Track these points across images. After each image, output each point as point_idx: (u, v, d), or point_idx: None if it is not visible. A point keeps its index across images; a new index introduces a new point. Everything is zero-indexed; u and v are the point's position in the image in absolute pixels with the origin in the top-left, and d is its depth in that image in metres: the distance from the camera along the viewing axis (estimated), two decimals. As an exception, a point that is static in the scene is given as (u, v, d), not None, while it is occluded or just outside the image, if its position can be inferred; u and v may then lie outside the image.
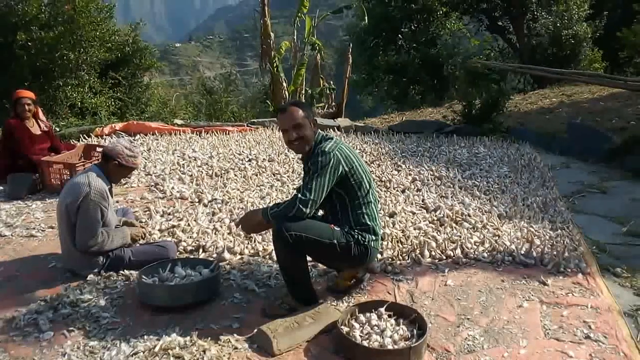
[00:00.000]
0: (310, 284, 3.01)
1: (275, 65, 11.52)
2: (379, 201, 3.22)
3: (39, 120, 5.70)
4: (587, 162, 6.73)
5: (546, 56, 16.46)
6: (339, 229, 2.93)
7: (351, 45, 13.37)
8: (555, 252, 3.74)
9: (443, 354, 2.63)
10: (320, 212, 3.16)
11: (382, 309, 2.82)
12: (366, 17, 13.82)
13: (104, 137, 7.78)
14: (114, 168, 3.45)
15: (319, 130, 3.09)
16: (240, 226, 3.06)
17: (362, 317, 2.79)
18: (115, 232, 3.46)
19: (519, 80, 17.55)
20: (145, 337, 2.69)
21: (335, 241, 2.86)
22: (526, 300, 3.18)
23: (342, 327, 2.69)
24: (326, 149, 2.87)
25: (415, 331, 2.67)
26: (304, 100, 12.36)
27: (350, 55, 12.77)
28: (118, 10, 12.99)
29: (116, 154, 3.42)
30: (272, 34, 11.59)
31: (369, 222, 2.99)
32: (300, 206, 2.77)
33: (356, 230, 2.95)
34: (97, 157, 5.38)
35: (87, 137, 7.64)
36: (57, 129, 7.69)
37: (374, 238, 3.01)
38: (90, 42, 10.12)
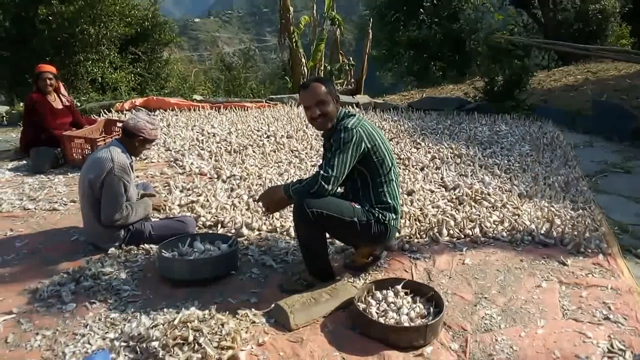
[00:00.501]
0: (328, 260, 3.02)
1: (294, 40, 11.44)
2: (399, 179, 3.19)
3: (60, 95, 5.75)
4: (612, 141, 6.59)
5: (572, 32, 15.97)
6: (359, 206, 2.91)
7: (371, 20, 13.14)
8: (575, 232, 3.70)
9: (459, 332, 2.63)
10: (340, 190, 3.15)
11: (399, 287, 2.82)
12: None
13: (125, 112, 7.83)
14: (138, 143, 3.47)
15: (341, 107, 3.06)
16: (261, 203, 3.06)
17: (378, 294, 2.79)
18: (138, 204, 3.51)
19: (543, 56, 17.13)
20: (165, 310, 2.74)
21: (356, 219, 2.85)
22: (545, 280, 3.15)
23: (359, 303, 2.69)
24: (349, 126, 2.84)
25: (432, 309, 2.67)
26: (323, 76, 12.28)
27: (370, 31, 12.58)
28: (137, -16, 12.89)
29: (140, 129, 3.41)
30: (291, 9, 11.49)
31: (390, 201, 2.98)
32: (323, 183, 2.74)
33: (377, 209, 2.94)
34: (118, 131, 5.43)
35: (107, 112, 7.70)
36: (78, 104, 7.75)
37: (394, 217, 3.00)
38: (110, 16, 10.11)
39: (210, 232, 3.70)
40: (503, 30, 16.41)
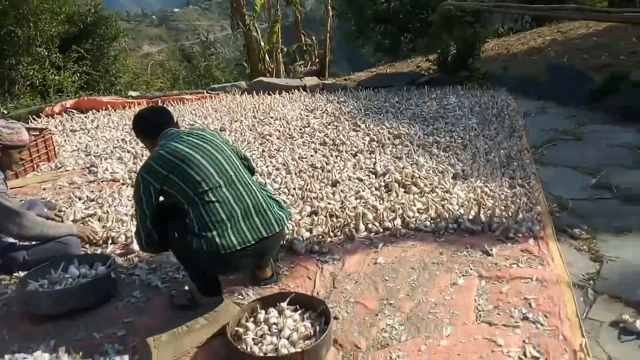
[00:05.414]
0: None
1: (247, 24, 10.92)
2: (234, 197, 2.56)
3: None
4: (568, 106, 6.18)
5: (545, -10, 15.43)
6: (190, 237, 2.45)
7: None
8: (507, 215, 3.33)
9: (351, 351, 2.29)
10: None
11: (284, 304, 2.45)
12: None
13: (55, 116, 7.36)
14: (1, 153, 3.10)
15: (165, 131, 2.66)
16: None
17: (261, 315, 2.42)
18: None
19: (516, 20, 16.61)
20: (16, 354, 2.34)
21: (188, 252, 2.49)
22: (463, 275, 2.81)
23: (238, 328, 2.34)
24: (140, 170, 2.49)
25: (319, 327, 2.30)
26: (281, 59, 11.85)
27: (329, 8, 12.12)
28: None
29: None
30: (241, -9, 10.96)
31: (213, 225, 2.45)
32: (136, 239, 2.62)
33: (202, 236, 2.44)
34: (34, 139, 5.11)
35: (37, 118, 7.20)
36: (5, 112, 7.27)
37: (224, 242, 2.46)
38: (39, 15, 9.47)
39: (97, 251, 3.33)
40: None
